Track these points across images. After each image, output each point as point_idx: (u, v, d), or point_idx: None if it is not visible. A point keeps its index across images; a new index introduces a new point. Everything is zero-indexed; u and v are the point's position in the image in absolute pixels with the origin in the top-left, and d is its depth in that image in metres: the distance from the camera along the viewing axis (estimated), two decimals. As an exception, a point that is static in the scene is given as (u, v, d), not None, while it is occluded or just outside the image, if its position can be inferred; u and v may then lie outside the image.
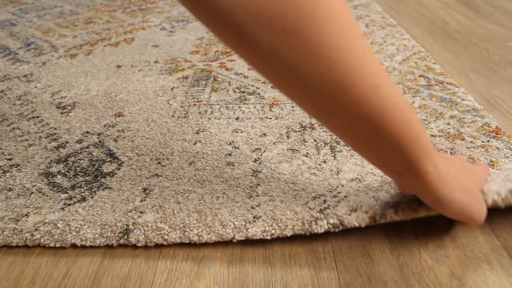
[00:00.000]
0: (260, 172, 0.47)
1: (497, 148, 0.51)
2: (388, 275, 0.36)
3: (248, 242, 0.40)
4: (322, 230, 0.38)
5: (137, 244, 0.39)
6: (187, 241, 0.39)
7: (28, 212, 0.42)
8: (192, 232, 0.39)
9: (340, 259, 0.38)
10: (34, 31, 0.97)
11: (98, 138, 0.55)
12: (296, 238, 0.40)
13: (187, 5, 0.28)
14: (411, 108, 0.32)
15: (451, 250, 0.39)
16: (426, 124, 0.56)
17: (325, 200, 0.41)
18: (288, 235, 0.39)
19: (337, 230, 0.38)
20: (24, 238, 0.39)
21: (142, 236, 0.39)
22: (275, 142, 0.53)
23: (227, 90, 0.66)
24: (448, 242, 0.39)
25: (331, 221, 0.38)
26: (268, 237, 0.39)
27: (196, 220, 0.40)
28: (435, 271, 0.37)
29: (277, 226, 0.39)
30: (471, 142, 0.52)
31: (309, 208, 0.40)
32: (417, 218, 0.40)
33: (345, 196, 0.42)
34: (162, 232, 0.39)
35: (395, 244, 0.39)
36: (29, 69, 0.76)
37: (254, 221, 0.39)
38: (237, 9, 0.25)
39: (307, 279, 0.36)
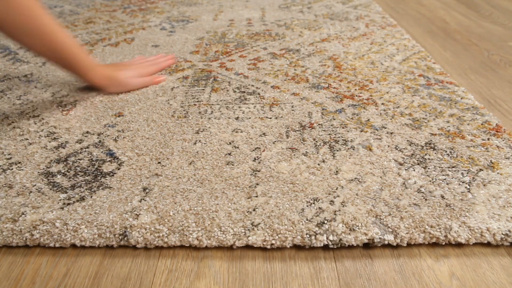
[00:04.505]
0: (259, 171, 0.47)
1: (498, 146, 0.51)
2: (388, 275, 0.36)
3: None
4: (321, 245, 0.38)
5: (137, 246, 0.39)
6: (187, 245, 0.39)
7: (25, 211, 0.42)
8: (191, 236, 0.39)
9: (340, 259, 0.38)
10: (34, 31, 0.97)
11: (98, 138, 0.55)
12: (296, 238, 0.40)
13: None
14: (82, 48, 0.60)
15: (451, 250, 0.39)
16: (426, 123, 0.56)
17: (321, 208, 0.41)
18: (288, 246, 0.39)
19: (335, 246, 0.38)
20: (24, 238, 0.39)
21: (141, 238, 0.39)
22: (275, 141, 0.53)
23: (227, 90, 0.66)
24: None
25: (331, 237, 0.38)
26: (268, 247, 0.39)
27: (195, 223, 0.40)
28: (435, 271, 0.36)
29: (277, 237, 0.38)
30: (471, 140, 0.52)
31: (307, 219, 0.40)
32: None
33: (343, 203, 0.42)
34: (161, 234, 0.39)
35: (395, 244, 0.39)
36: (29, 69, 0.76)
37: (253, 229, 0.39)
38: None
39: (307, 279, 0.36)
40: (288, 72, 0.72)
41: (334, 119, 0.57)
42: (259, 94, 0.65)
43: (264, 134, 0.55)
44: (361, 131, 0.54)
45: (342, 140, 0.53)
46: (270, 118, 0.58)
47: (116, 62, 0.78)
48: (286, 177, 0.46)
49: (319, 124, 0.56)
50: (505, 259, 0.38)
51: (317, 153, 0.50)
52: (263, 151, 0.51)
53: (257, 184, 0.45)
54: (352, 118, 0.58)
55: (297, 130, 0.55)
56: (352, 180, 0.46)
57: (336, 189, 0.44)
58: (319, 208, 0.41)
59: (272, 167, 0.48)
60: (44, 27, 0.54)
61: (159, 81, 0.70)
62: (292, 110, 0.60)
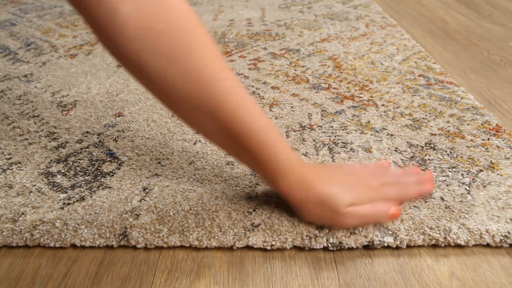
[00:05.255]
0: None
1: (498, 147, 0.51)
2: (388, 275, 0.36)
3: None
4: (321, 247, 0.38)
5: (137, 246, 0.39)
6: (188, 245, 0.39)
7: (25, 211, 0.42)
8: (191, 236, 0.39)
9: (340, 259, 0.38)
10: (34, 31, 0.97)
11: (98, 138, 0.55)
12: (296, 238, 0.40)
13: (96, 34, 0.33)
14: (270, 126, 0.37)
15: (451, 250, 0.39)
16: (426, 123, 0.56)
17: None
18: (288, 248, 0.39)
19: (335, 249, 0.38)
20: (24, 238, 0.39)
21: (141, 238, 0.39)
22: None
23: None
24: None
25: (331, 240, 0.38)
26: (268, 248, 0.39)
27: (195, 223, 0.40)
28: (435, 271, 0.37)
29: (277, 238, 0.38)
30: (471, 140, 0.52)
31: (307, 221, 0.40)
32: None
33: None
34: (161, 234, 0.39)
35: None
36: (29, 69, 0.76)
37: (253, 229, 0.39)
38: (136, 44, 0.32)
39: (307, 279, 0.36)
40: (288, 73, 0.72)
41: (334, 121, 0.57)
42: (259, 94, 0.65)
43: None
44: (361, 133, 0.54)
45: (342, 142, 0.53)
46: (270, 118, 0.58)
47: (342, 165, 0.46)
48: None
49: (318, 126, 0.56)
50: (505, 259, 0.38)
51: (317, 154, 0.50)
52: None
53: (257, 184, 0.45)
54: (352, 120, 0.58)
55: (297, 130, 0.55)
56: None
57: None
58: None
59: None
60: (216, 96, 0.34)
61: (395, 216, 0.39)
62: (292, 110, 0.60)
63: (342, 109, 0.60)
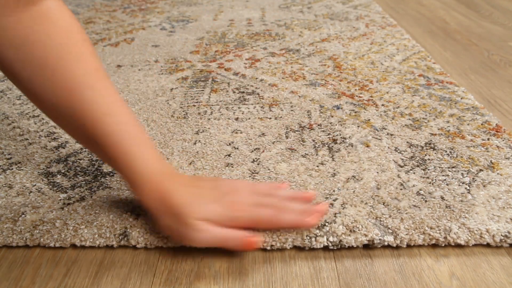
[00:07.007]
0: (257, 173, 0.47)
1: (498, 147, 0.51)
2: (388, 275, 0.36)
3: (248, 242, 0.40)
4: (321, 246, 0.38)
5: (137, 246, 0.39)
6: (188, 245, 0.39)
7: (25, 211, 0.42)
8: None
9: (340, 259, 0.38)
10: (34, 31, 0.97)
11: (98, 138, 0.55)
12: (296, 238, 0.40)
13: None
14: (135, 135, 0.38)
15: (451, 250, 0.39)
16: (426, 123, 0.56)
17: None
18: (288, 248, 0.39)
19: (335, 248, 0.38)
20: (24, 238, 0.39)
21: (142, 238, 0.39)
22: (274, 141, 0.53)
23: (227, 91, 0.66)
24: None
25: (331, 239, 0.38)
26: (268, 248, 0.39)
27: None
28: (435, 271, 0.37)
29: (277, 239, 0.38)
30: (471, 140, 0.52)
31: None
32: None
33: (342, 205, 0.42)
34: (161, 234, 0.39)
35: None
36: (29, 69, 0.76)
37: (253, 229, 0.39)
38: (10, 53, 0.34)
39: (307, 279, 0.36)
40: (285, 70, 0.72)
41: (332, 116, 0.57)
42: (258, 94, 0.65)
43: (263, 134, 0.55)
44: (358, 127, 0.55)
45: (341, 138, 0.53)
46: (270, 118, 0.58)
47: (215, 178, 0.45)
48: (284, 179, 0.46)
49: (318, 125, 0.56)
50: (505, 259, 0.38)
51: (316, 154, 0.50)
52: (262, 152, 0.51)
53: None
54: (350, 114, 0.58)
55: (297, 131, 0.55)
56: (348, 179, 0.45)
57: (333, 191, 0.44)
58: None
59: (271, 168, 0.48)
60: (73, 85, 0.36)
61: (254, 244, 0.36)
62: (292, 110, 0.60)
63: (340, 104, 0.60)
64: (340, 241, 0.38)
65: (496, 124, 0.55)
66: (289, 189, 0.44)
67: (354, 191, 0.44)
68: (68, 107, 0.36)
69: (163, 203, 0.36)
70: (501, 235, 0.38)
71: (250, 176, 0.47)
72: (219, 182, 0.40)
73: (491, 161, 0.48)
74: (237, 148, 0.52)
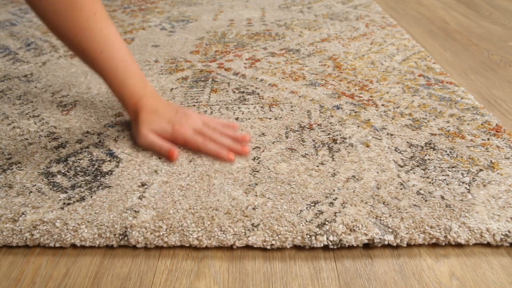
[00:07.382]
0: (258, 171, 0.47)
1: (498, 147, 0.51)
2: (388, 275, 0.36)
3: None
4: (322, 245, 0.38)
5: (137, 245, 0.39)
6: (187, 245, 0.39)
7: (25, 211, 0.42)
8: (192, 236, 0.39)
9: (340, 259, 0.38)
10: (34, 31, 0.97)
11: (98, 138, 0.55)
12: (296, 238, 0.40)
13: None
14: (128, 68, 0.50)
15: (451, 250, 0.39)
16: (426, 123, 0.56)
17: (321, 211, 0.41)
18: (288, 247, 0.39)
19: (335, 247, 0.38)
20: (24, 238, 0.39)
21: (142, 238, 0.39)
22: (274, 141, 0.53)
23: (227, 91, 0.66)
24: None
25: (331, 238, 0.38)
26: (268, 247, 0.39)
27: (195, 223, 0.40)
28: (435, 271, 0.36)
29: (277, 238, 0.38)
30: (471, 140, 0.52)
31: (306, 221, 0.40)
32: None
33: (342, 204, 0.42)
34: (161, 233, 0.39)
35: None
36: (29, 69, 0.76)
37: (253, 229, 0.39)
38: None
39: (307, 279, 0.36)
40: (285, 70, 0.72)
41: (332, 116, 0.57)
42: (258, 94, 0.65)
43: (263, 134, 0.55)
44: (358, 127, 0.55)
45: (341, 138, 0.53)
46: (270, 118, 0.58)
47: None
48: (284, 178, 0.46)
49: (318, 125, 0.56)
50: (505, 259, 0.38)
51: (316, 154, 0.50)
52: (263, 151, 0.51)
53: (256, 184, 0.45)
54: (350, 114, 0.58)
55: (297, 131, 0.55)
56: (348, 178, 0.45)
57: (333, 191, 0.44)
58: (319, 211, 0.41)
59: (271, 167, 0.48)
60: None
61: (173, 156, 0.49)
62: (292, 110, 0.60)
63: (340, 104, 0.60)
64: (340, 240, 0.38)
65: (496, 124, 0.55)
66: (238, 130, 0.55)
67: (354, 191, 0.44)
68: (76, 44, 0.47)
69: (136, 117, 0.51)
70: (502, 234, 0.38)
71: (250, 174, 0.47)
72: (180, 109, 0.53)
73: (491, 161, 0.48)
74: (237, 148, 0.52)
